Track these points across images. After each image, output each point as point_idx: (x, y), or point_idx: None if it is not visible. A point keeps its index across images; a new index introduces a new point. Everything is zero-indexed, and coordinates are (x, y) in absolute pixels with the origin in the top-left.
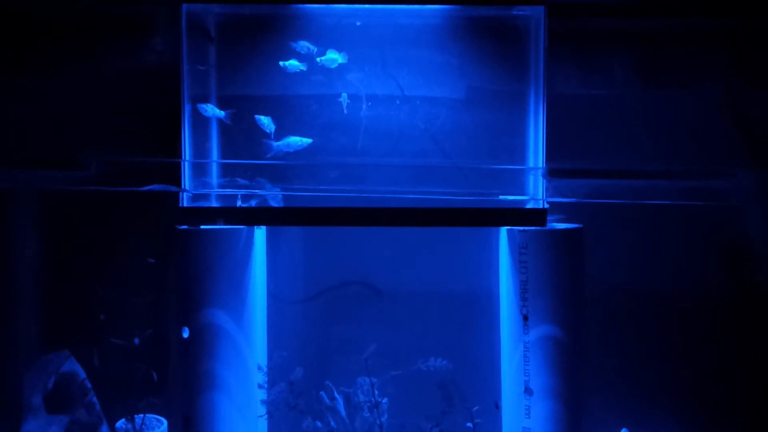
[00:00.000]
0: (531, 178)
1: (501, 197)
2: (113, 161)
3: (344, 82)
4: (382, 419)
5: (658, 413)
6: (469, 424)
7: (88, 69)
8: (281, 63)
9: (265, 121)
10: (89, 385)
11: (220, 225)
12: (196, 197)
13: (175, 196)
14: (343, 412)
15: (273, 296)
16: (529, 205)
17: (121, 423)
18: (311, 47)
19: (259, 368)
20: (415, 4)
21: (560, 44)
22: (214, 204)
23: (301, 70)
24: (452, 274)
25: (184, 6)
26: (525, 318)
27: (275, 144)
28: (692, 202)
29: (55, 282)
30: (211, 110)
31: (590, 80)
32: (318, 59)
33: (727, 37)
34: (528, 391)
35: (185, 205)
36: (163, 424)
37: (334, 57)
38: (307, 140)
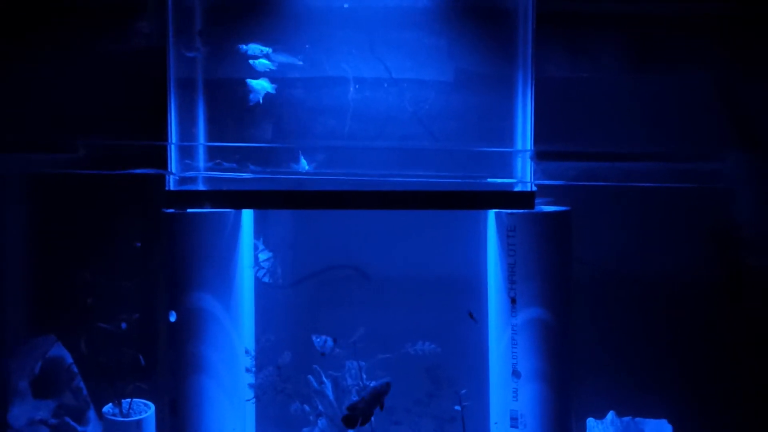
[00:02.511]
0: (519, 161)
1: (489, 180)
2: (100, 144)
3: (331, 64)
4: None
5: (646, 396)
6: (458, 407)
7: (74, 52)
8: (250, 61)
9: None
10: (76, 370)
11: (206, 208)
12: (183, 181)
13: (162, 180)
14: (331, 396)
15: (260, 280)
16: (517, 188)
17: (108, 407)
18: (263, 48)
19: (247, 352)
20: None
21: (549, 27)
22: (201, 187)
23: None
24: (440, 257)
25: None
26: (513, 301)
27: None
28: (681, 184)
29: (41, 266)
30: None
31: (579, 63)
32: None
33: (717, 20)
34: (516, 373)
35: (172, 188)
36: (150, 408)
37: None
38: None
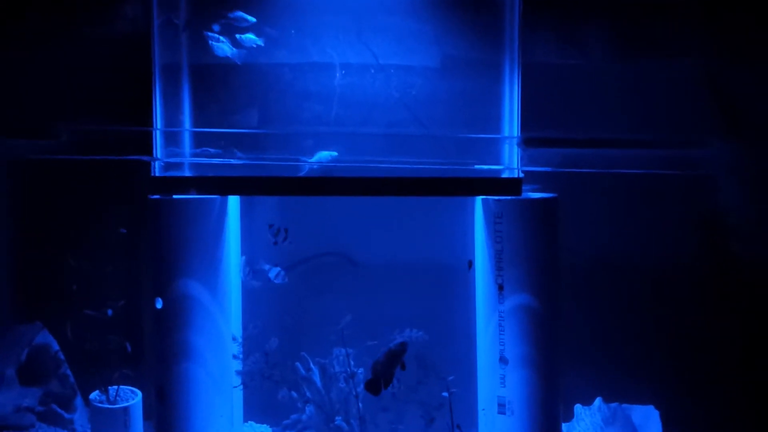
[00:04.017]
0: (506, 148)
1: (476, 166)
2: (84, 130)
3: (318, 50)
4: (358, 389)
5: (633, 383)
6: (445, 394)
7: (59, 37)
8: (237, 36)
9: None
10: (62, 357)
11: (192, 194)
12: (168, 167)
13: (148, 166)
14: (319, 383)
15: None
16: (505, 175)
17: (95, 395)
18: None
19: (234, 339)
20: None
21: (537, 13)
22: (187, 173)
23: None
24: (427, 244)
25: None
26: (500, 287)
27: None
28: (668, 171)
29: (27, 253)
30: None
31: (567, 50)
32: (237, 35)
33: (705, 8)
34: (503, 360)
35: (157, 174)
36: (137, 395)
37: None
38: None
